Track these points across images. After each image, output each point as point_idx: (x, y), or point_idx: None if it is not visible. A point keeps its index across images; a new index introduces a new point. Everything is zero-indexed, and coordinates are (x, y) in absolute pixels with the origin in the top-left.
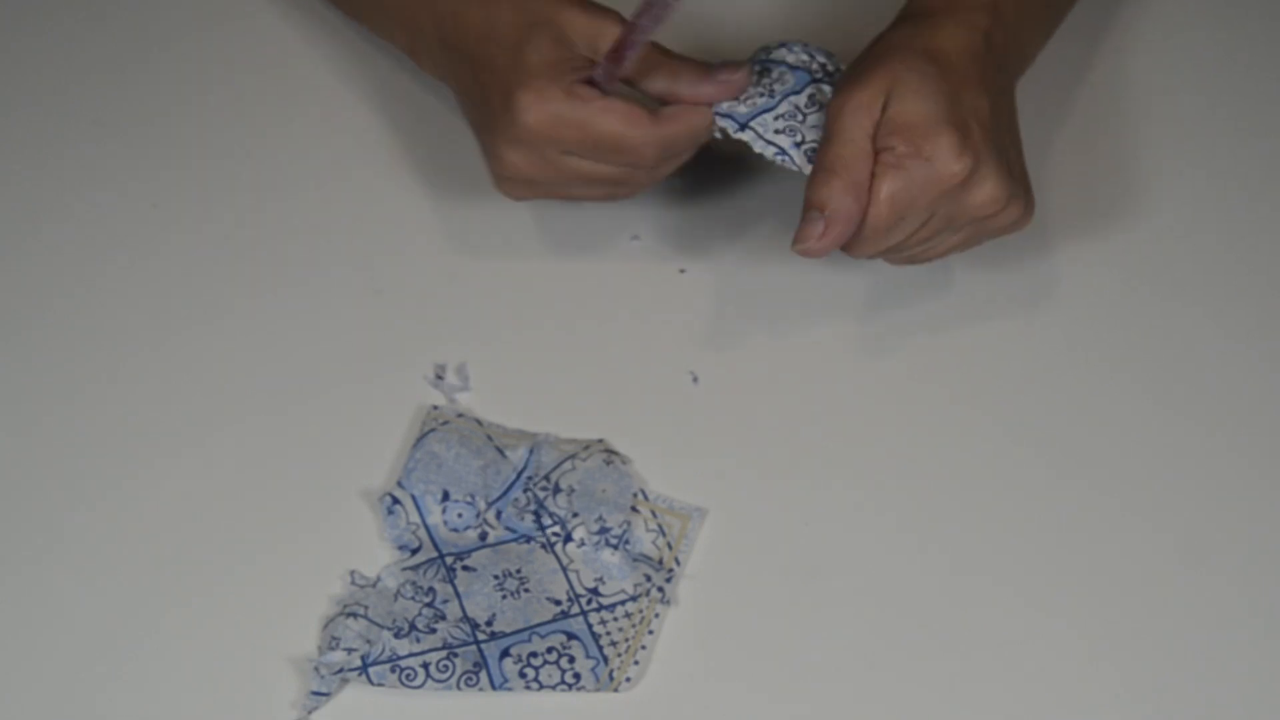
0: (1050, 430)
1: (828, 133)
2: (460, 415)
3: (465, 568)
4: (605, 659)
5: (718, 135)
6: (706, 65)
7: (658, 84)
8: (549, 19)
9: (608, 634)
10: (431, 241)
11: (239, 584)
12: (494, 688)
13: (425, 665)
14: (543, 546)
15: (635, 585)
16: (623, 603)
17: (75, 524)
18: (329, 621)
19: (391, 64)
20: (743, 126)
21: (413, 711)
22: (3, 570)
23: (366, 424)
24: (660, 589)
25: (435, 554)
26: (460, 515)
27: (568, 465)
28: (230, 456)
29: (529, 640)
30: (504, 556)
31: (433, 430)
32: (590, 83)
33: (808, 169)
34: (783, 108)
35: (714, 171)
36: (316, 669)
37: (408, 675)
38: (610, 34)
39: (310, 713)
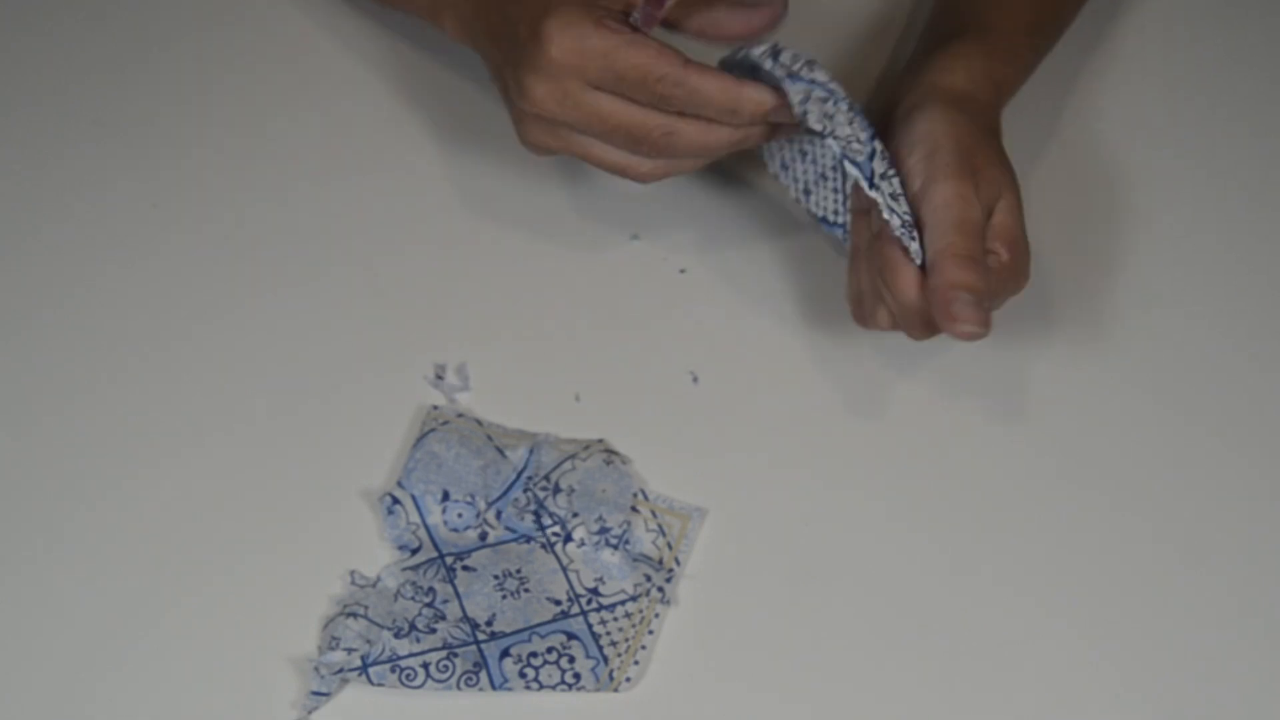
0: (1050, 429)
1: (953, 217)
2: (460, 415)
3: (465, 568)
4: (605, 659)
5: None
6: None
7: (694, 21)
8: None
9: (608, 634)
10: (432, 241)
11: (239, 584)
12: (494, 688)
13: (425, 665)
14: (543, 546)
15: (635, 585)
16: (623, 603)
17: (75, 524)
18: (329, 621)
19: (392, 64)
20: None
21: (413, 711)
22: (3, 570)
23: (366, 424)
24: (660, 589)
25: (435, 554)
26: (460, 515)
27: (568, 465)
28: (230, 456)
29: (529, 640)
30: (504, 556)
31: (433, 430)
32: (627, 24)
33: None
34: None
35: (714, 171)
36: (316, 669)
37: (408, 675)
38: None
39: (310, 713)
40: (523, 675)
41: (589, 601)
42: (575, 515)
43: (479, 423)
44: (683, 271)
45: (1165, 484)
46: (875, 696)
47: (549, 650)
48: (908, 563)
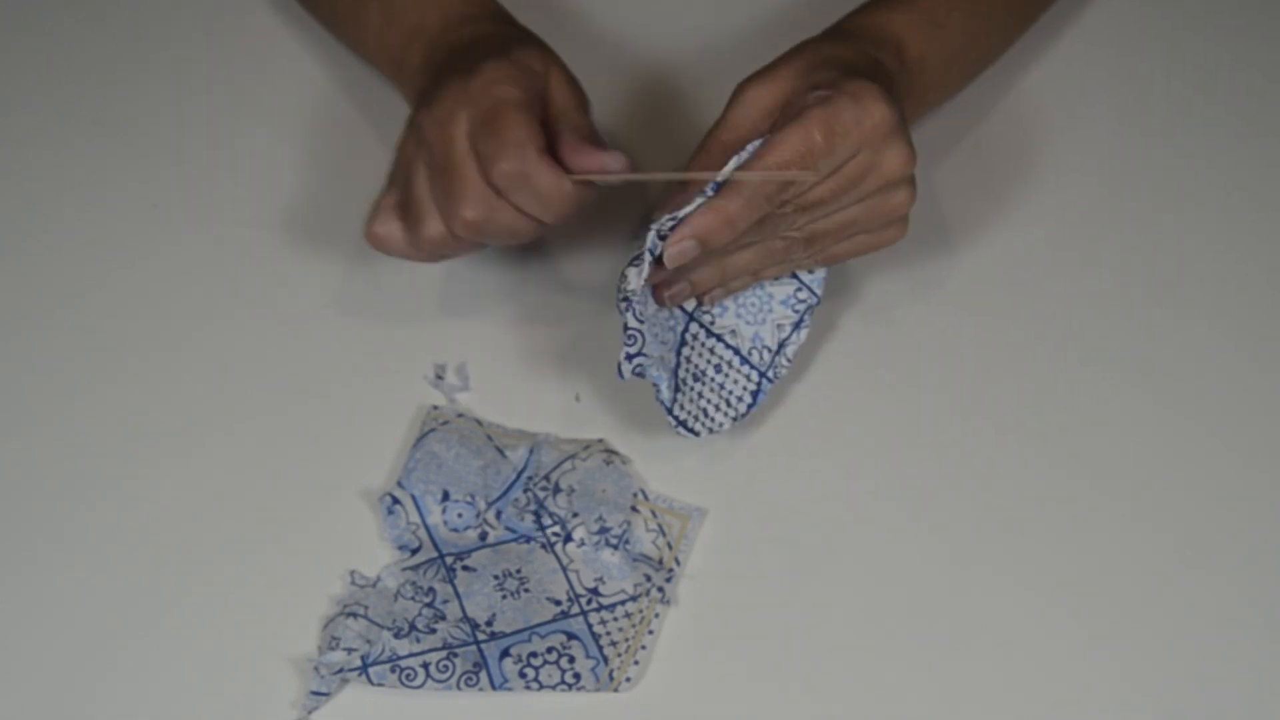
0: (1051, 428)
1: (721, 118)
2: (460, 415)
3: (465, 568)
4: (605, 659)
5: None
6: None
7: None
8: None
9: (608, 634)
10: None
11: (239, 584)
12: (494, 688)
13: (425, 665)
14: (543, 546)
15: (635, 585)
16: (623, 603)
17: (75, 524)
18: (329, 621)
19: None
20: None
21: (413, 711)
22: (3, 570)
23: (366, 424)
24: (660, 589)
25: (435, 554)
26: (460, 515)
27: (568, 465)
28: (230, 456)
29: (529, 640)
30: (504, 556)
31: (433, 430)
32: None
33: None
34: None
35: None
36: (316, 669)
37: (408, 675)
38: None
39: (310, 713)
40: (523, 675)
41: (589, 601)
42: (575, 515)
43: (479, 423)
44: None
45: (1165, 482)
46: (875, 696)
47: (549, 650)
48: (907, 562)
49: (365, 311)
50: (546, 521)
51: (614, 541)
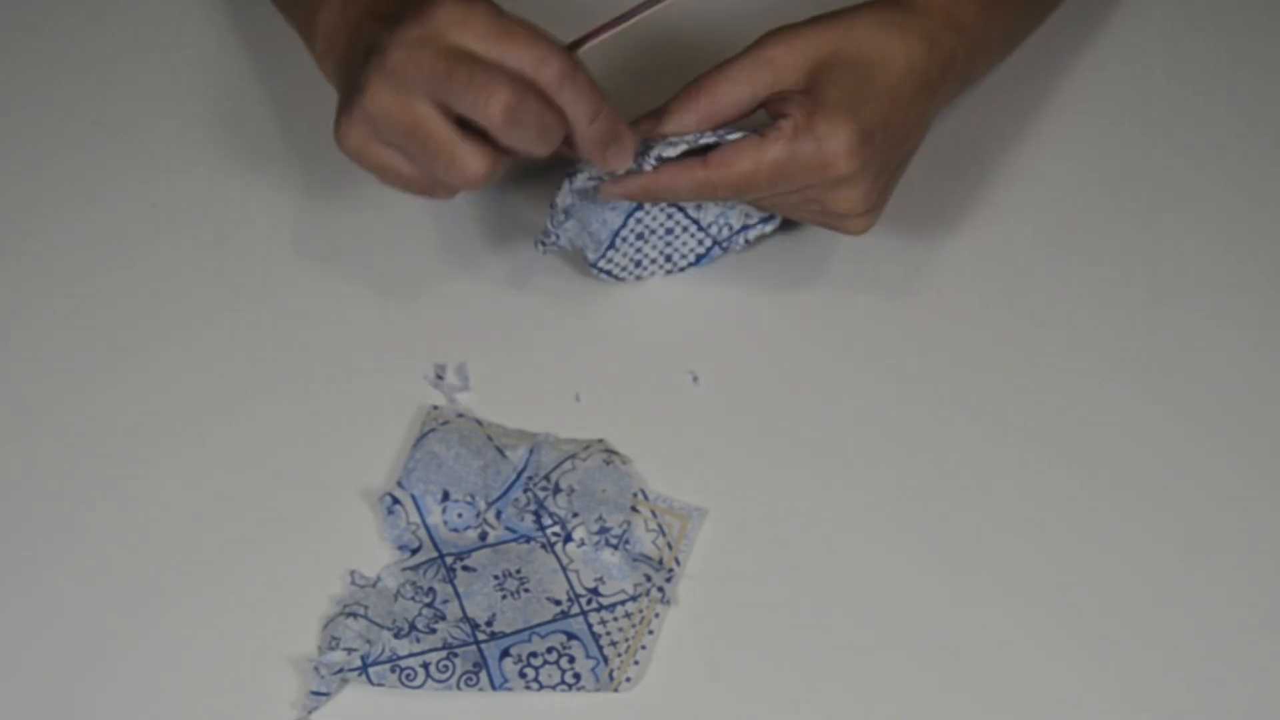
0: (1053, 429)
1: (734, 60)
2: (460, 415)
3: (465, 568)
4: (605, 659)
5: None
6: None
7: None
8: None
9: (608, 634)
10: (432, 241)
11: (239, 584)
12: (494, 688)
13: (425, 665)
14: (543, 546)
15: (635, 585)
16: (623, 603)
17: (75, 523)
18: (329, 621)
19: None
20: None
21: (413, 711)
22: (2, 570)
23: (366, 424)
24: (660, 589)
25: (435, 554)
26: (460, 515)
27: (568, 465)
28: (230, 456)
29: (529, 640)
30: (504, 556)
31: (433, 430)
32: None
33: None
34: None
35: None
36: (316, 669)
37: (408, 675)
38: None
39: (310, 713)
40: (523, 675)
41: (589, 601)
42: (575, 515)
43: (479, 423)
44: (683, 270)
45: (1165, 483)
46: (875, 696)
47: (549, 650)
48: (908, 563)
49: (365, 312)
50: (546, 521)
51: (614, 541)
